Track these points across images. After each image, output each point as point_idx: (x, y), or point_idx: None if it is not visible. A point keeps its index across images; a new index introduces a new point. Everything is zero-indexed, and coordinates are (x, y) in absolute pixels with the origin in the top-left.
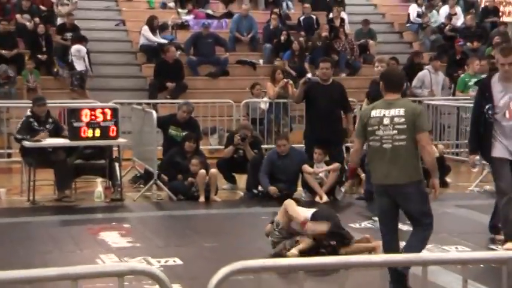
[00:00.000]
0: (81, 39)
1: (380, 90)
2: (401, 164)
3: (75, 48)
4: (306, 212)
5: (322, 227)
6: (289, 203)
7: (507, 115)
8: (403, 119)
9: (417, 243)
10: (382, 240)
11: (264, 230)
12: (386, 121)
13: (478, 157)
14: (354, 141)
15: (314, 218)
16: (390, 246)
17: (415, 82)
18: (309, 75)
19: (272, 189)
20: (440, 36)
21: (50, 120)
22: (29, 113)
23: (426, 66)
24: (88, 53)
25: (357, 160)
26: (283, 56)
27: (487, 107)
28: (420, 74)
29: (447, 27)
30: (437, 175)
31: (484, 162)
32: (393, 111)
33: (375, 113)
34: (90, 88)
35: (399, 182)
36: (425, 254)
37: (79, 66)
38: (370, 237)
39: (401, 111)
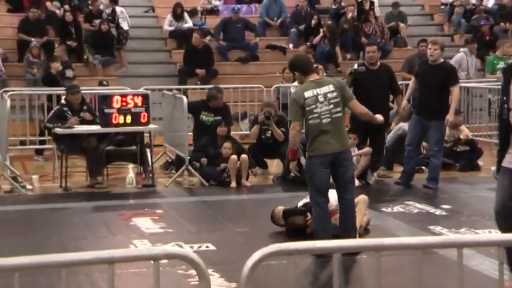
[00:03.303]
0: (116, 1)
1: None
2: (342, 134)
3: (119, 9)
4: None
5: None
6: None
7: None
8: (335, 93)
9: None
10: (317, 213)
11: None
12: (321, 98)
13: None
14: (293, 124)
15: None
16: (326, 219)
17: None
18: (356, 65)
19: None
20: (480, 18)
21: (85, 108)
22: (63, 101)
23: (462, 49)
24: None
25: (299, 142)
26: (312, 41)
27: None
28: (457, 56)
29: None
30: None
31: None
32: (324, 89)
33: (308, 94)
34: (119, 75)
35: (342, 149)
36: (460, 236)
37: (125, 25)
38: None
39: (331, 87)
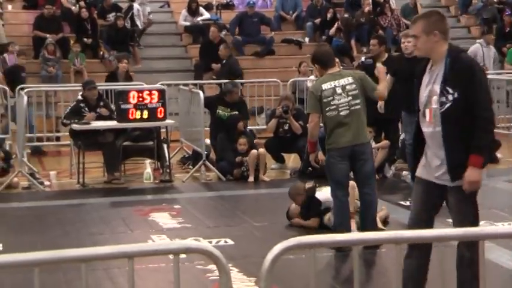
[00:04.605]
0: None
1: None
2: (361, 127)
3: (136, 7)
4: None
5: None
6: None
7: (427, 116)
8: (354, 85)
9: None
10: (336, 207)
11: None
12: (339, 90)
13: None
14: (312, 116)
15: None
16: (345, 212)
17: None
18: (363, 58)
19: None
20: (495, 9)
21: (102, 103)
22: (80, 98)
23: (478, 40)
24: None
25: (317, 134)
26: (328, 34)
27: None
28: (472, 48)
29: None
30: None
31: None
32: (342, 81)
33: (325, 86)
34: (135, 71)
35: (359, 142)
36: (482, 228)
37: (139, 23)
38: None
39: (350, 79)
